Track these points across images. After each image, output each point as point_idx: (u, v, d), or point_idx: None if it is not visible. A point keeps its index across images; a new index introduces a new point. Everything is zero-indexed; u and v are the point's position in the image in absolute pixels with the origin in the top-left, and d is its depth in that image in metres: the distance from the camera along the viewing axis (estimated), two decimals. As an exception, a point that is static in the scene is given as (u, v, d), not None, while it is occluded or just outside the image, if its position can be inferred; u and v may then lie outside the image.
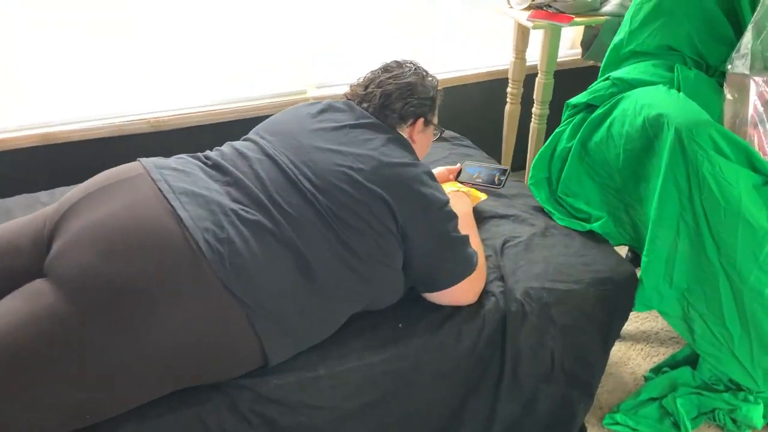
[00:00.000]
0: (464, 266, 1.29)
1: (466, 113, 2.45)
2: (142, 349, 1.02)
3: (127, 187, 1.17)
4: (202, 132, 2.07)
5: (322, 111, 1.37)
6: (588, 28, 2.16)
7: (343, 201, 1.20)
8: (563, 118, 1.70)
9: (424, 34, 2.40)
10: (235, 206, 1.16)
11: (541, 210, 1.65)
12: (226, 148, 1.34)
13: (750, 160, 1.36)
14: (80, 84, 1.99)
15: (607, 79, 1.60)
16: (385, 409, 1.27)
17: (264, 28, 2.15)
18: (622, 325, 1.51)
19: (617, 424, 1.60)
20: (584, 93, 1.65)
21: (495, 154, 2.46)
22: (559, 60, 2.17)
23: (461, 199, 1.55)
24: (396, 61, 1.46)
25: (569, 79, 2.34)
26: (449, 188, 1.67)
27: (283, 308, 1.13)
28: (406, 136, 1.40)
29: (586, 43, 2.16)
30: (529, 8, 2.07)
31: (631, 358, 1.82)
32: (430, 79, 1.46)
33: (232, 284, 1.07)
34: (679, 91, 1.49)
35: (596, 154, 1.58)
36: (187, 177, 1.21)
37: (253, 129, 1.41)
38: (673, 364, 1.70)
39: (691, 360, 1.67)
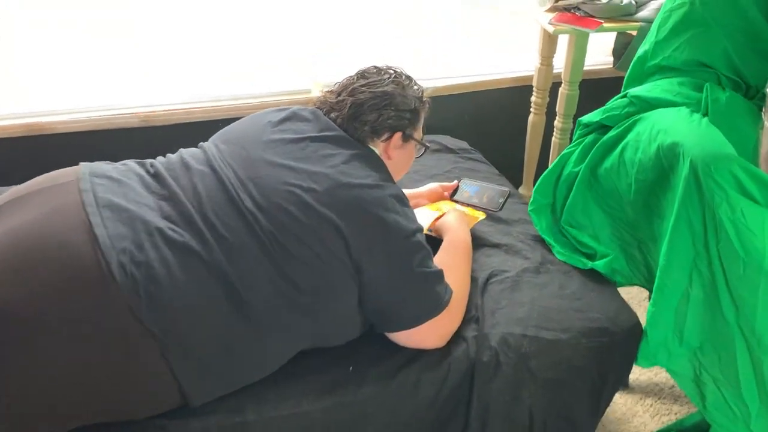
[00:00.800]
0: (427, 306, 1.12)
1: (481, 122, 2.26)
2: (24, 383, 0.90)
3: (52, 195, 1.07)
4: (188, 129, 1.96)
5: (285, 120, 1.22)
6: (620, 34, 1.93)
7: (287, 225, 1.05)
8: (574, 137, 1.50)
9: (423, 35, 2.25)
10: (163, 224, 1.03)
11: (540, 240, 1.46)
12: (175, 155, 1.21)
13: (783, 204, 1.13)
14: (78, 81, 1.96)
15: (625, 96, 1.39)
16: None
17: (264, 28, 2.09)
18: (620, 383, 1.31)
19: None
20: (598, 111, 1.44)
21: (515, 168, 2.26)
22: (590, 68, 1.95)
23: (465, 224, 1.38)
24: (375, 67, 1.29)
25: (600, 91, 2.11)
26: (446, 207, 1.51)
27: (206, 344, 1.00)
28: (379, 152, 1.24)
29: (618, 52, 1.92)
30: (553, 9, 1.85)
31: (637, 414, 1.59)
32: (415, 88, 1.30)
33: (143, 313, 0.95)
34: (705, 115, 1.27)
35: (606, 182, 1.38)
36: (119, 188, 1.09)
37: (216, 133, 1.28)
38: (681, 430, 1.47)
39: (702, 429, 1.44)
